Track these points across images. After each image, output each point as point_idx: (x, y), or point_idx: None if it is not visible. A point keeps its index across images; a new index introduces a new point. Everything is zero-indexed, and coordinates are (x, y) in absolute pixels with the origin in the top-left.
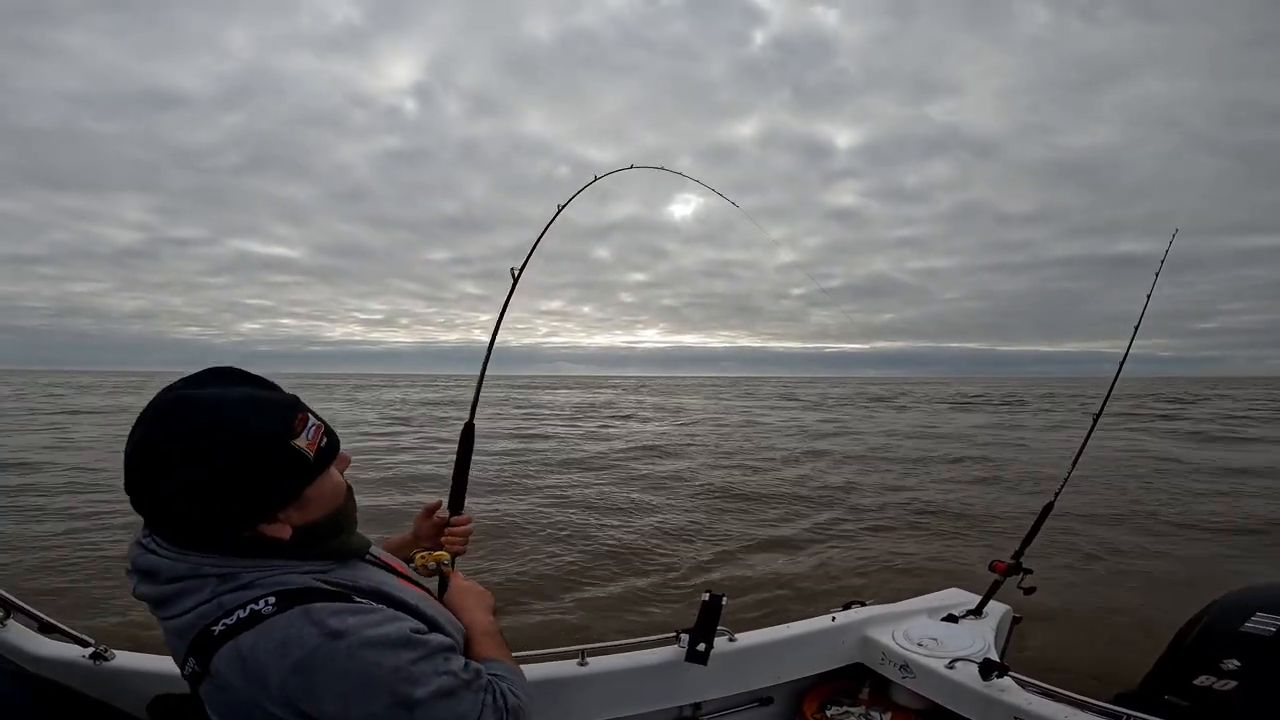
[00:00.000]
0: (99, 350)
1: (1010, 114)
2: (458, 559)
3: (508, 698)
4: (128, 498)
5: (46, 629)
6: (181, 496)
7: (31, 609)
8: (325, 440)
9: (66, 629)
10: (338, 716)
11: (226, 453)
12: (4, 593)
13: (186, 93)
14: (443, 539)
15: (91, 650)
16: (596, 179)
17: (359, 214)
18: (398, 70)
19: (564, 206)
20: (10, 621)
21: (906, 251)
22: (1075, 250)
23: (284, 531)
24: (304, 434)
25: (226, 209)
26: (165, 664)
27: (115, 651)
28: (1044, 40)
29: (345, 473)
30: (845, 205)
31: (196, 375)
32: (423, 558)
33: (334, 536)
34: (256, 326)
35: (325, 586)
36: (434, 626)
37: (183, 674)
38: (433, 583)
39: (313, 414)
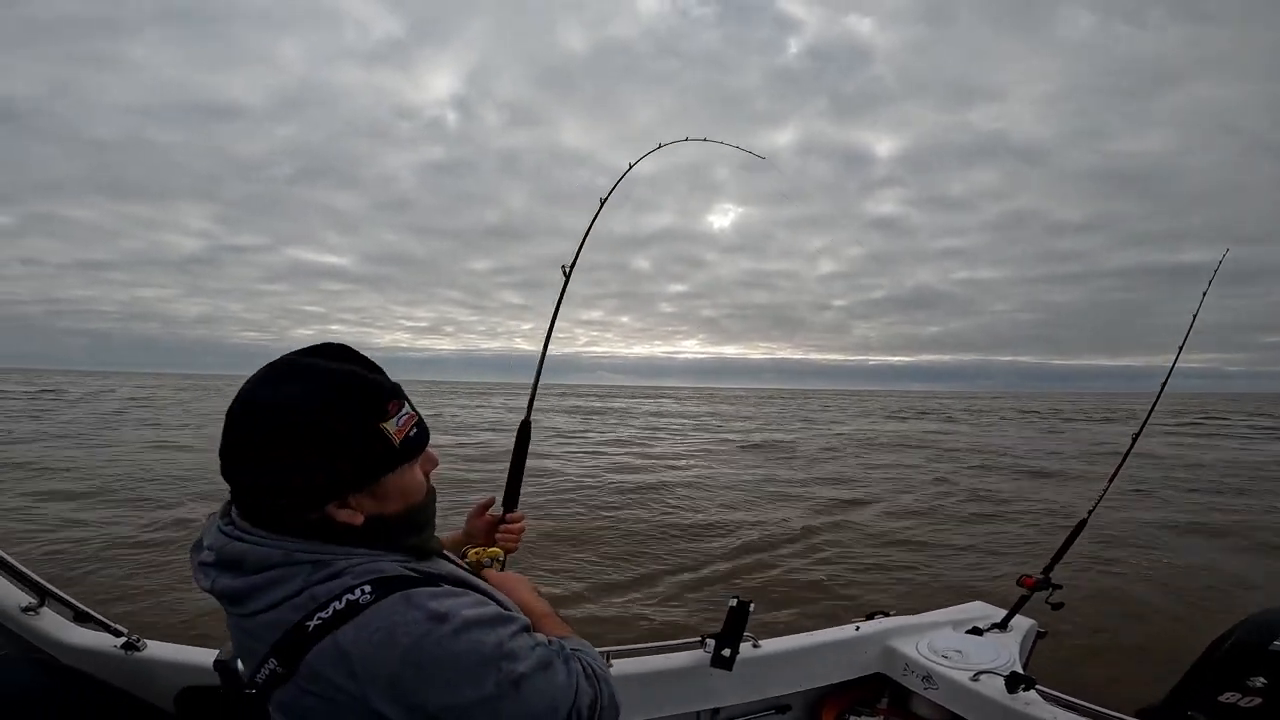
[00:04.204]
0: (165, 353)
1: (1057, 120)
2: (510, 556)
3: (594, 665)
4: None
5: (81, 617)
6: (270, 462)
7: (67, 596)
8: (414, 431)
9: (100, 617)
10: (447, 704)
11: (316, 418)
12: (41, 580)
13: (243, 105)
14: (497, 536)
15: (124, 640)
16: (631, 166)
17: (405, 223)
18: (438, 82)
19: (605, 199)
20: (44, 609)
21: (952, 262)
22: (1133, 260)
23: (355, 519)
24: (395, 419)
25: (281, 218)
26: (195, 655)
27: (147, 641)
28: (1089, 45)
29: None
30: (887, 214)
31: (311, 347)
32: (477, 553)
33: (411, 535)
34: (310, 332)
35: (416, 574)
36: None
37: (252, 679)
38: None
39: (409, 403)
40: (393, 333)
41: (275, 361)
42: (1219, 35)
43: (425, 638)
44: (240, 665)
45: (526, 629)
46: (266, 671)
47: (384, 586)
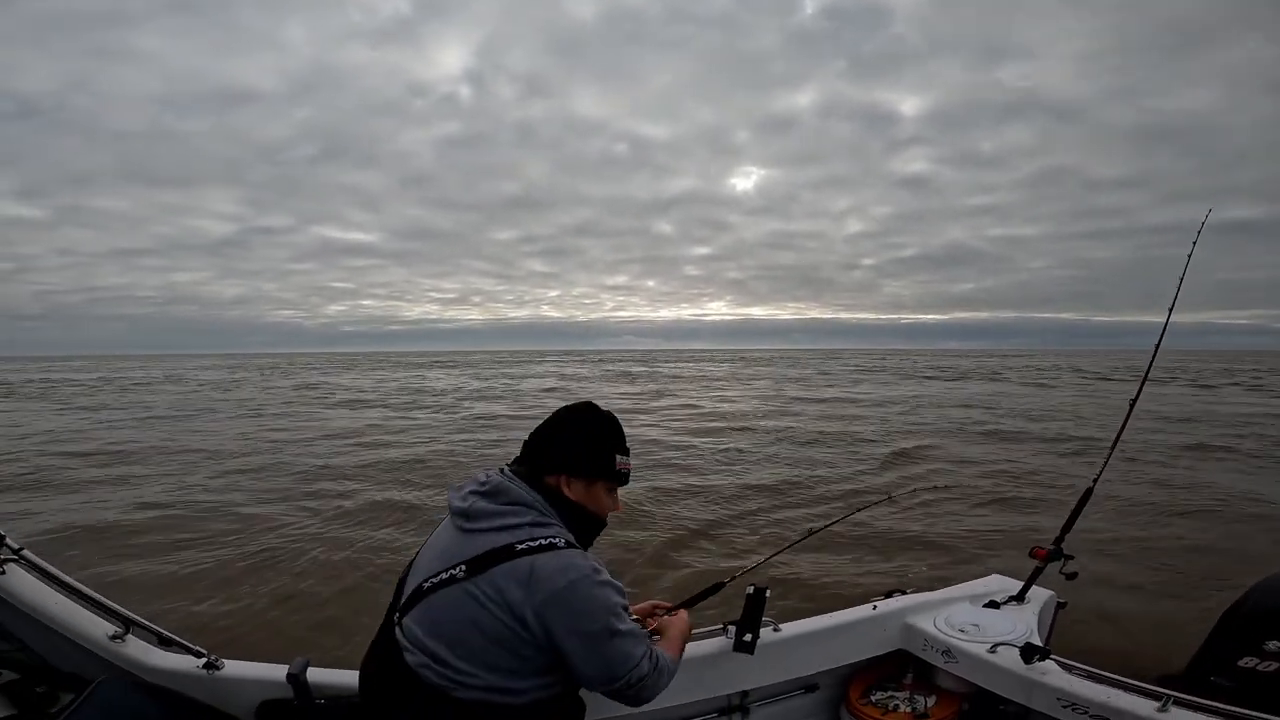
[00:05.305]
0: (206, 335)
1: (1093, 77)
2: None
3: (662, 660)
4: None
5: (165, 642)
6: (563, 436)
7: (149, 624)
8: (624, 472)
9: (182, 641)
10: (568, 627)
11: (596, 428)
12: (124, 610)
13: (259, 89)
14: (648, 619)
15: (204, 660)
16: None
17: (427, 198)
18: (449, 57)
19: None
20: (130, 636)
21: (985, 219)
22: (1176, 216)
23: (569, 493)
24: (622, 457)
25: (306, 198)
26: (269, 670)
27: (225, 661)
28: (1127, 1)
29: (610, 516)
30: (915, 173)
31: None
32: (636, 618)
33: (586, 532)
34: (342, 308)
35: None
36: None
37: (420, 585)
38: None
39: (629, 459)
40: (422, 305)
41: (592, 402)
42: None
43: (584, 577)
44: (421, 574)
45: (627, 609)
46: (446, 575)
47: (571, 545)
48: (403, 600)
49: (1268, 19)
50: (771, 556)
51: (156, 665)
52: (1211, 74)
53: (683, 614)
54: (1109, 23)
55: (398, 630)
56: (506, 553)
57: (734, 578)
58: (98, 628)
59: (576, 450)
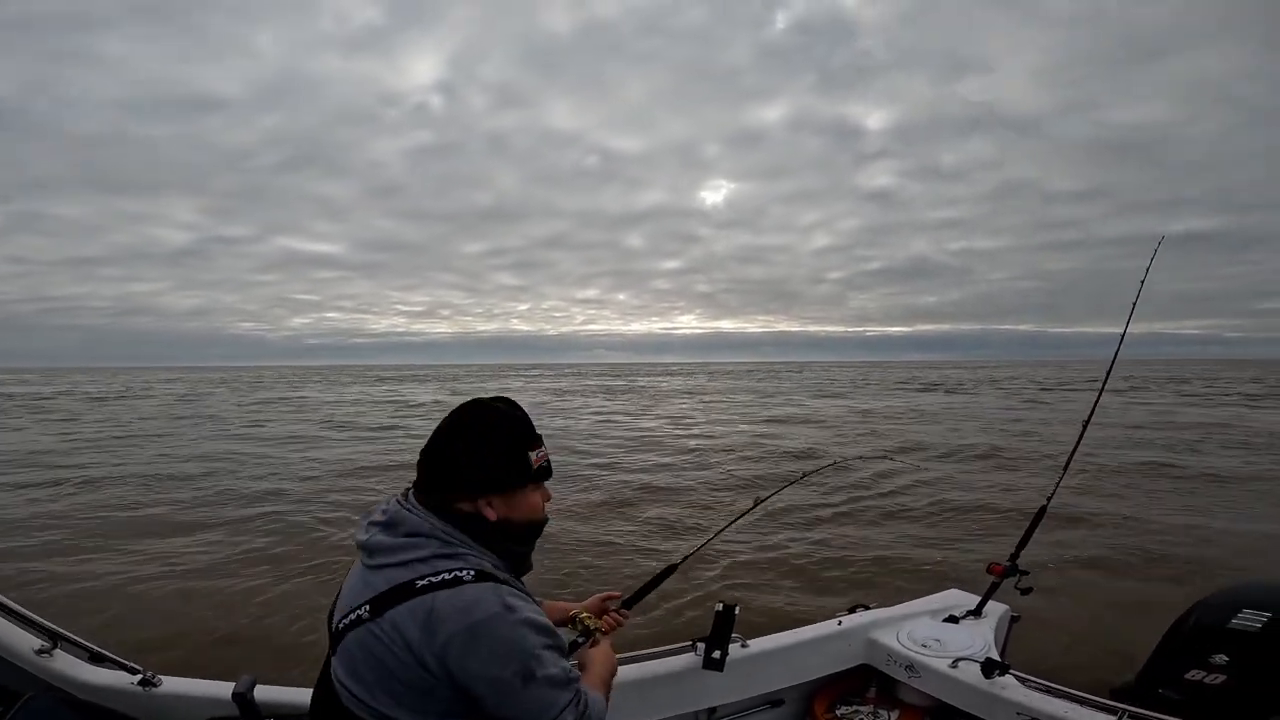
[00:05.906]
0: (162, 347)
1: (1050, 91)
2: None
3: (589, 707)
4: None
5: (96, 658)
6: (456, 458)
7: (79, 639)
8: (544, 464)
9: (115, 657)
10: (474, 672)
11: (495, 433)
12: (50, 624)
13: (224, 96)
14: (603, 617)
15: (140, 677)
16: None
17: (395, 209)
18: (422, 67)
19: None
20: (58, 651)
21: (948, 232)
22: (1131, 228)
23: (491, 514)
24: (535, 452)
25: (270, 207)
26: (212, 688)
27: (162, 677)
28: (1081, 16)
29: (547, 507)
30: (881, 186)
31: (495, 396)
32: (586, 617)
33: (520, 544)
34: (306, 320)
35: (508, 578)
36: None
37: (338, 625)
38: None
39: (545, 448)
40: (389, 318)
41: (477, 399)
42: (1215, 4)
43: (493, 617)
44: (338, 614)
45: (561, 650)
46: (353, 616)
47: (483, 576)
48: (330, 638)
49: (1213, 31)
50: (721, 531)
51: (88, 681)
52: (1164, 87)
53: (605, 646)
54: (1061, 36)
55: (332, 669)
56: (406, 590)
57: (685, 558)
58: (24, 641)
59: (487, 465)
